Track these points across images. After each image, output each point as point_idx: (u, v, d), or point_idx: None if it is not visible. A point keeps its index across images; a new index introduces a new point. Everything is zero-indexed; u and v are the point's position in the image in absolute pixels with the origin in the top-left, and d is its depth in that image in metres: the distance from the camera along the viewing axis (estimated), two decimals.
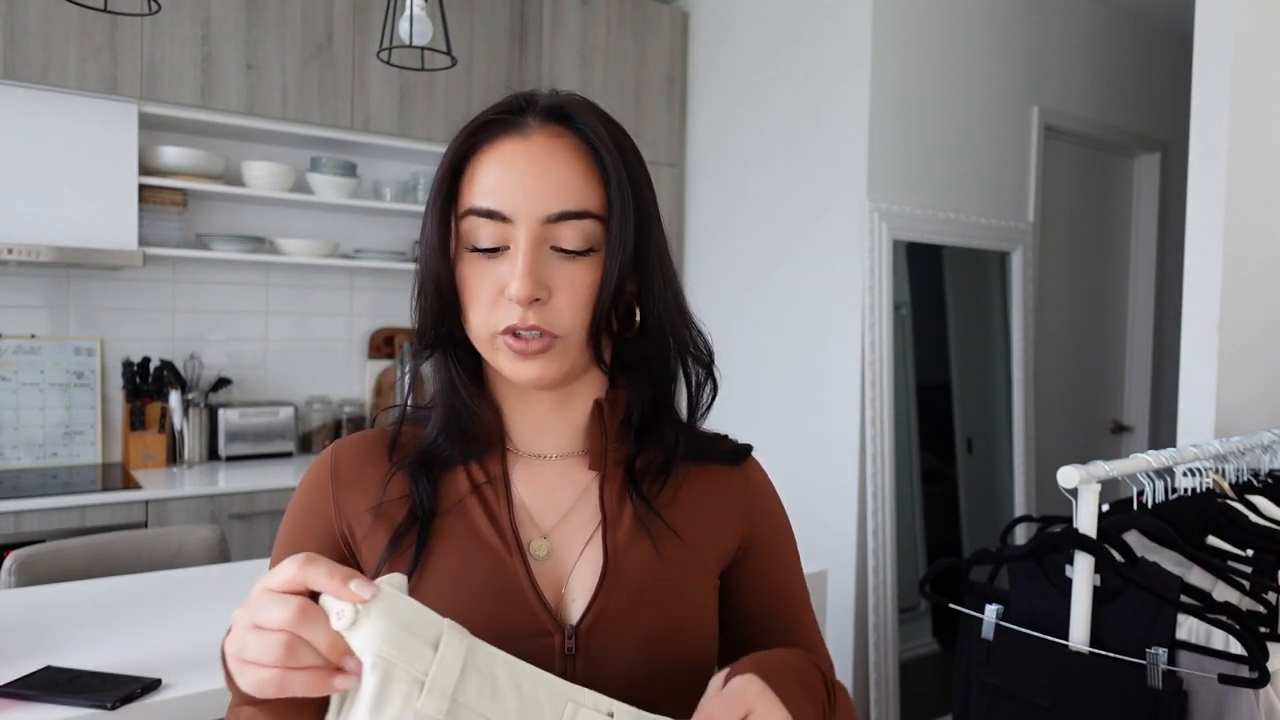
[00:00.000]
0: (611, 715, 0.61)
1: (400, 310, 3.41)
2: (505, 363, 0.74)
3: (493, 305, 0.73)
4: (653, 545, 0.76)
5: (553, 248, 0.72)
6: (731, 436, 0.87)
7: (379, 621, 0.54)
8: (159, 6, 1.69)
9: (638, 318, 0.78)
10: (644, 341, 0.78)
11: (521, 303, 0.70)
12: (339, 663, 0.54)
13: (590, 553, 0.76)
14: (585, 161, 0.73)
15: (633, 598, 0.74)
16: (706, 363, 0.82)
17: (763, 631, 0.83)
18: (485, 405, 0.79)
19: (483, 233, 0.72)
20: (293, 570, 0.55)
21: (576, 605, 0.74)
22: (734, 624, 0.83)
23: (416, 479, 0.77)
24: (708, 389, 0.83)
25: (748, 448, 0.86)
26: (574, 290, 0.72)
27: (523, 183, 0.71)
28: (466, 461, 0.79)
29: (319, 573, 0.55)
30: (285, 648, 0.53)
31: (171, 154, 2.75)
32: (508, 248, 0.72)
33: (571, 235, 0.71)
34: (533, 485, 0.79)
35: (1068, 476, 1.37)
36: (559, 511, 0.78)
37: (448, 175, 0.74)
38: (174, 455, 2.89)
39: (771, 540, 0.85)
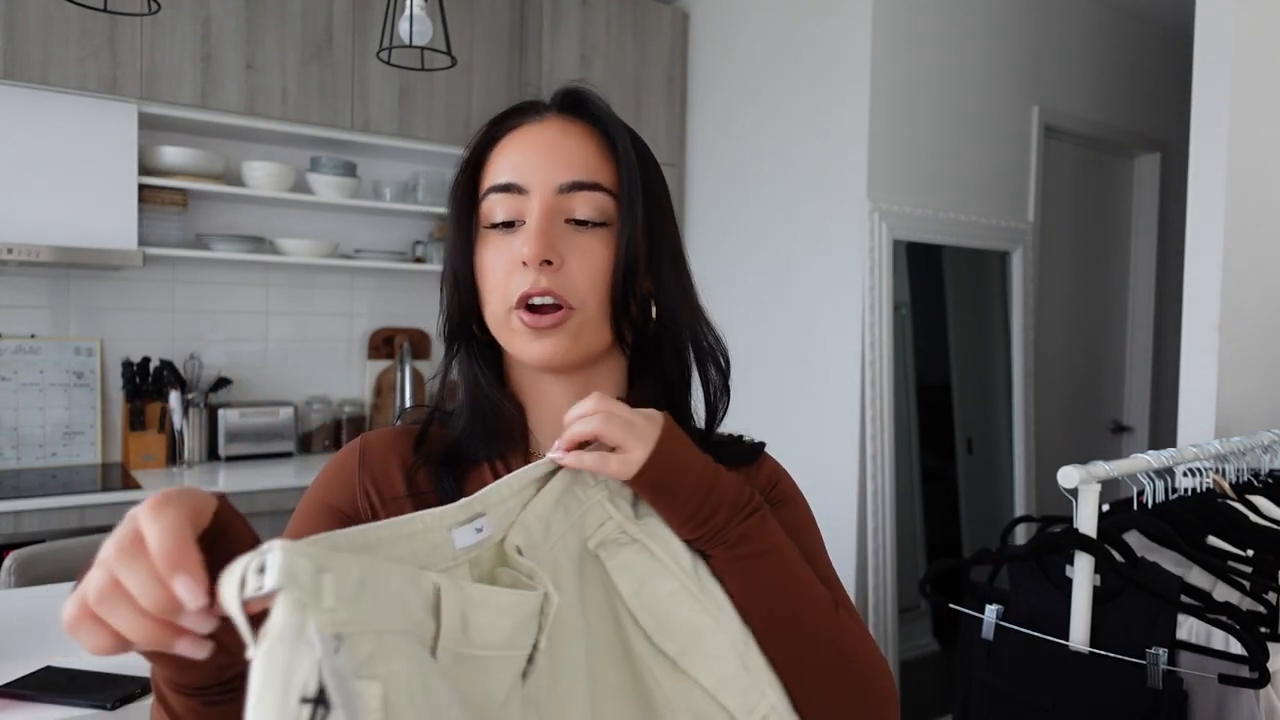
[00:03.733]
0: (482, 517, 0.60)
1: (400, 310, 3.41)
2: (520, 344, 0.75)
3: (508, 278, 0.74)
4: None
5: (566, 220, 0.74)
6: (746, 437, 0.86)
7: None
8: (158, 6, 1.69)
9: (653, 312, 0.79)
10: (661, 334, 0.80)
11: (532, 262, 0.71)
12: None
13: None
14: (598, 143, 0.77)
15: None
16: (722, 367, 0.83)
17: None
18: (508, 401, 0.80)
19: (499, 208, 0.74)
20: (139, 517, 0.48)
21: None
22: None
23: (442, 476, 0.77)
24: (722, 393, 0.84)
25: (761, 445, 0.86)
26: (587, 259, 0.73)
27: (536, 157, 0.74)
28: (491, 460, 0.79)
29: (158, 536, 0.47)
30: (95, 589, 0.47)
31: (171, 154, 2.75)
32: (523, 222, 0.74)
33: (584, 206, 0.74)
34: None
35: (1068, 476, 1.37)
36: None
37: (470, 165, 0.78)
38: (174, 455, 2.89)
39: (784, 518, 0.79)
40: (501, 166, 0.75)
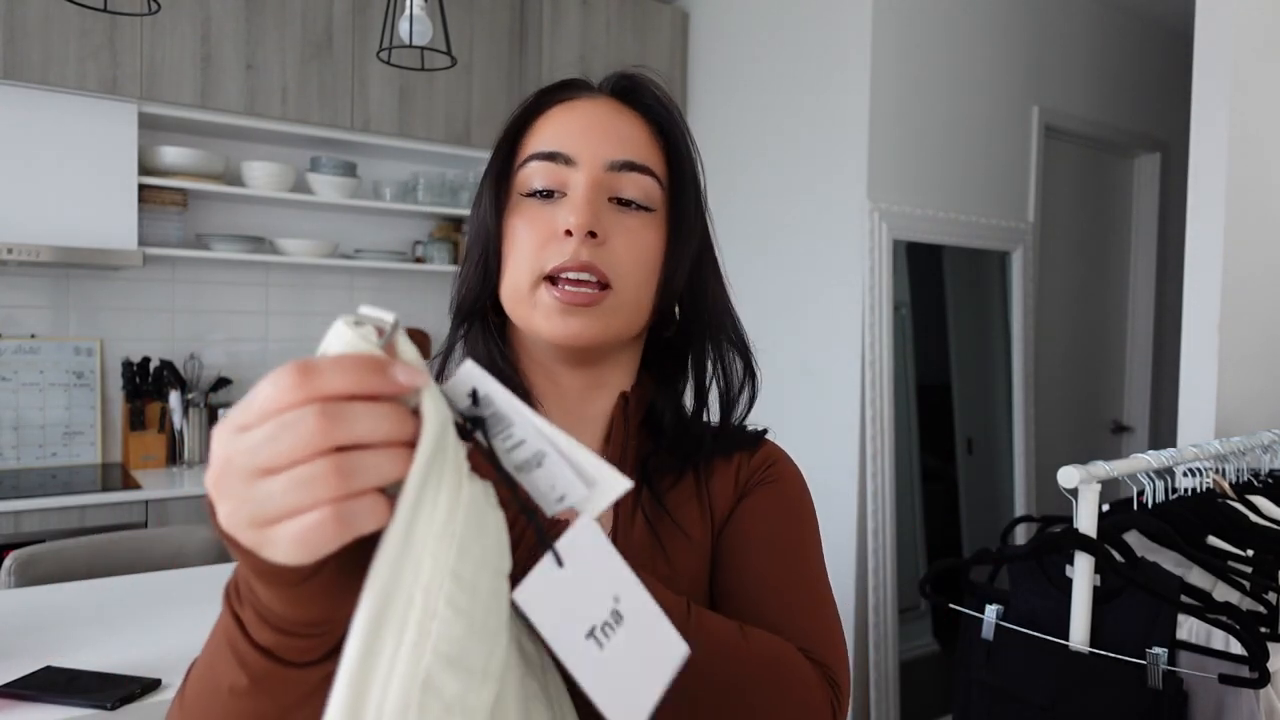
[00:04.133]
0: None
1: (400, 310, 3.40)
2: (543, 320, 0.69)
3: (541, 248, 0.68)
4: (661, 547, 0.73)
5: (610, 199, 0.70)
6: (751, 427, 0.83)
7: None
8: (158, 6, 1.69)
9: (677, 314, 0.77)
10: (691, 332, 0.78)
11: (578, 232, 0.67)
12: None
13: None
14: (649, 131, 0.74)
15: None
16: (751, 367, 0.81)
17: (749, 601, 0.72)
18: (521, 382, 0.74)
19: (539, 176, 0.70)
20: (291, 383, 0.38)
21: None
22: (721, 596, 0.74)
23: None
24: (747, 392, 0.81)
25: (763, 431, 0.83)
26: (632, 241, 0.70)
27: (588, 129, 0.71)
28: None
29: (333, 375, 0.39)
30: (336, 470, 0.37)
31: (171, 154, 2.75)
32: (564, 194, 0.70)
33: (632, 188, 0.71)
34: None
35: (1068, 477, 1.37)
36: None
37: (512, 132, 0.74)
38: (174, 455, 2.89)
39: (768, 497, 0.77)
40: (548, 135, 0.71)
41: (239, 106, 2.77)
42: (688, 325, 0.78)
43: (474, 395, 0.46)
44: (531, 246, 0.69)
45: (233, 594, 0.47)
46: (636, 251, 0.70)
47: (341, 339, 0.42)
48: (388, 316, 0.43)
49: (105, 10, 1.68)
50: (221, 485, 0.39)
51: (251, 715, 0.48)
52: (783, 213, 3.03)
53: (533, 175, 0.70)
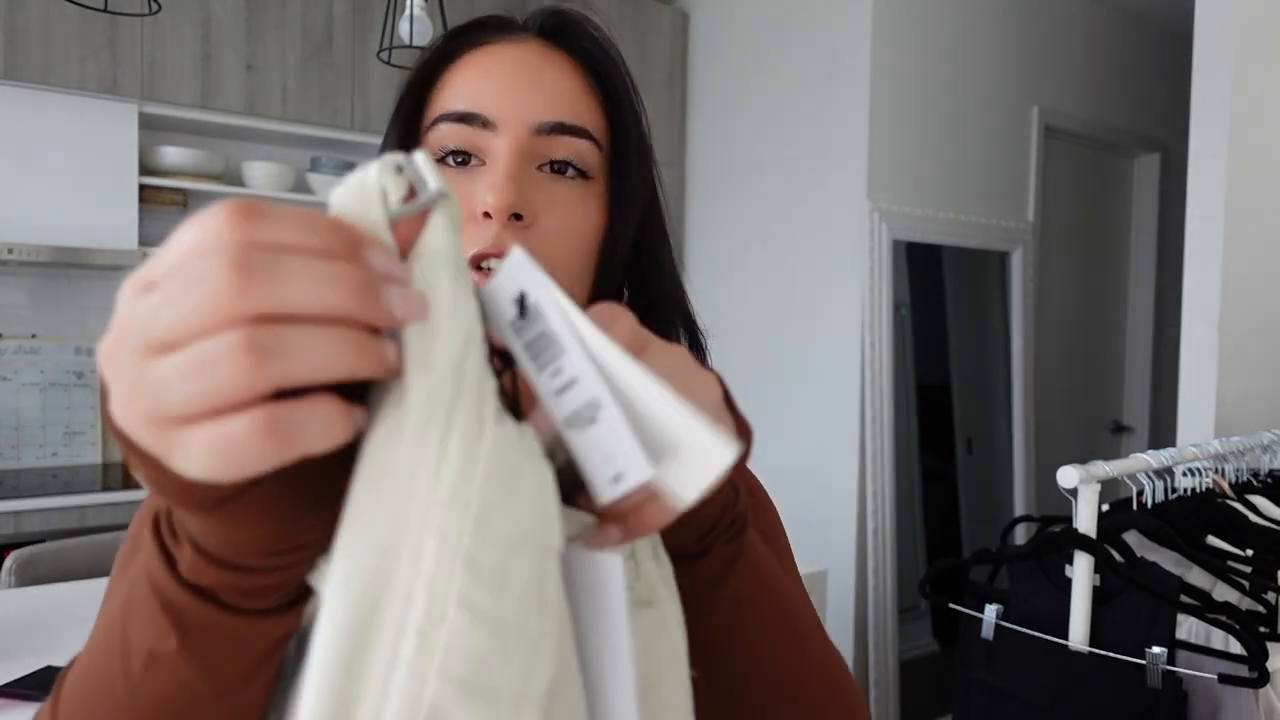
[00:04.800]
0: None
1: None
2: None
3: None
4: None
5: (539, 167, 0.58)
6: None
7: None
8: (159, 7, 1.69)
9: (624, 296, 0.65)
10: (644, 316, 0.64)
11: (498, 215, 0.54)
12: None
13: None
14: (584, 81, 0.61)
15: None
16: (701, 351, 0.69)
17: None
18: None
19: (452, 140, 0.58)
20: (218, 225, 0.27)
21: None
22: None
23: None
24: None
25: None
26: (565, 219, 0.58)
27: (508, 83, 0.58)
28: None
29: (281, 226, 0.28)
30: (247, 346, 0.26)
31: (171, 154, 2.75)
32: (483, 162, 0.58)
33: (566, 152, 0.58)
34: None
35: (1067, 476, 1.37)
36: None
37: (417, 84, 0.61)
38: None
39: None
40: (461, 89, 0.58)
41: (239, 107, 2.77)
42: (633, 305, 0.65)
43: (521, 302, 0.33)
44: None
45: (162, 521, 0.35)
46: (571, 232, 0.58)
47: (350, 192, 0.31)
48: (431, 180, 0.31)
49: (106, 10, 1.68)
50: (113, 362, 0.28)
51: (173, 696, 0.35)
52: (783, 213, 3.03)
53: (444, 139, 0.58)
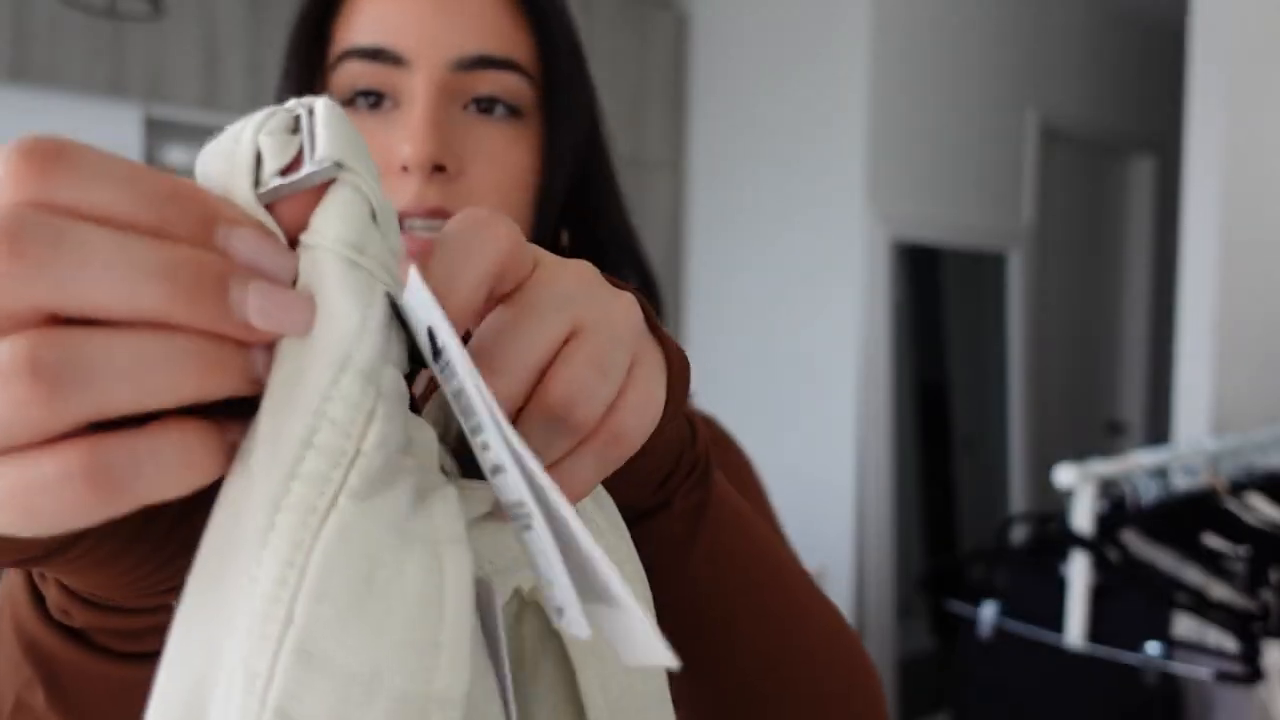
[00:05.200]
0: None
1: None
2: None
3: None
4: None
5: (464, 106, 0.50)
6: (718, 420, 0.69)
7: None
8: (164, 10, 1.71)
9: (564, 240, 0.58)
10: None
11: (417, 167, 0.47)
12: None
13: None
14: (510, 4, 0.52)
15: None
16: (658, 306, 0.59)
17: None
18: None
19: (362, 79, 0.50)
20: (6, 172, 0.19)
21: None
22: None
23: None
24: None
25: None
26: (494, 165, 0.50)
27: (423, 13, 0.49)
28: None
29: (89, 178, 0.19)
30: (33, 355, 0.18)
31: (177, 156, 2.77)
32: (396, 103, 0.49)
33: (492, 87, 0.50)
34: None
35: (1065, 475, 1.39)
36: None
37: (313, 15, 0.52)
38: None
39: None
40: (366, 20, 0.49)
41: (245, 109, 2.77)
42: (575, 249, 0.57)
43: (432, 339, 0.23)
44: None
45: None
46: (504, 180, 0.50)
47: (219, 155, 0.24)
48: (323, 144, 0.23)
49: (111, 16, 1.69)
50: None
51: None
52: (782, 214, 3.05)
53: (354, 79, 0.49)
